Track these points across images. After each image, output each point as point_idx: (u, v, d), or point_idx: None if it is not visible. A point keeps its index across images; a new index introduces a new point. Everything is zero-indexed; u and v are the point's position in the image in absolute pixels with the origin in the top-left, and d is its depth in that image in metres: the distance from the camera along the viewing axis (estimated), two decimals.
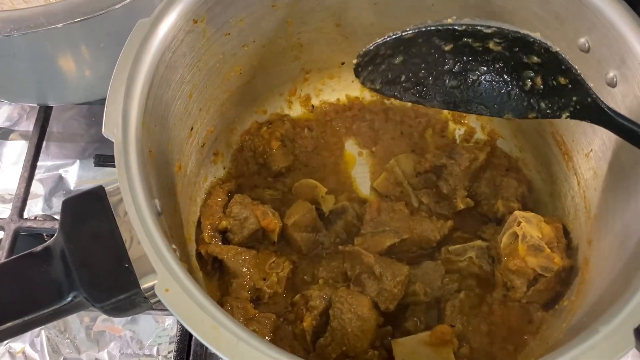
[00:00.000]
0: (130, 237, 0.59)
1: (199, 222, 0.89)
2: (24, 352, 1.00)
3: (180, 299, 0.54)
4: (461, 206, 0.90)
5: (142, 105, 0.64)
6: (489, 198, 0.91)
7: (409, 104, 1.03)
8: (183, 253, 0.76)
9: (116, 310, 0.59)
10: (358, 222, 0.89)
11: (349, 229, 0.90)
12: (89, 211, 0.61)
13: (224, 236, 0.88)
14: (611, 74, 0.72)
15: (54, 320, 0.60)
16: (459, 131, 1.01)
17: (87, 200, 0.61)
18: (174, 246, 0.61)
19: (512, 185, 0.90)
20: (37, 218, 1.07)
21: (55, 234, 0.60)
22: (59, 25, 0.85)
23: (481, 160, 0.92)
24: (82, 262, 0.58)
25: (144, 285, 0.57)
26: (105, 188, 0.62)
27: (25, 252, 0.60)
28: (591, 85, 0.74)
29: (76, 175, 1.16)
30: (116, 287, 0.57)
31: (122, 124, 0.61)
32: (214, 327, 0.52)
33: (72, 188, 1.15)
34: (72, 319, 1.02)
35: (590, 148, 0.79)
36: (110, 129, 0.61)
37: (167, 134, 0.74)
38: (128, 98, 0.63)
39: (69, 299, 0.58)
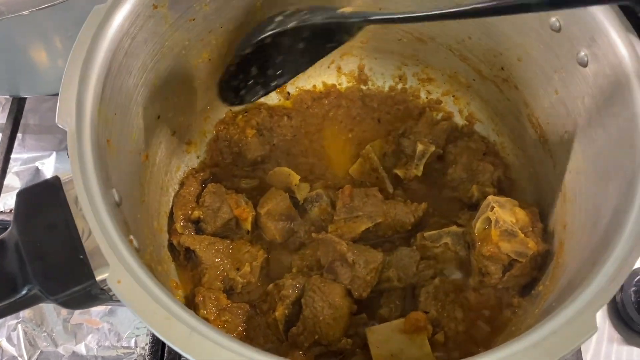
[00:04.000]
0: (86, 229, 0.58)
1: (171, 213, 0.87)
2: (0, 346, 0.99)
3: (132, 290, 0.52)
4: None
5: (99, 94, 0.63)
6: (465, 183, 0.90)
7: (386, 90, 1.02)
8: (150, 244, 0.75)
9: (72, 303, 0.57)
10: (332, 210, 0.88)
11: (323, 216, 0.89)
12: (44, 202, 0.59)
13: (197, 226, 0.87)
14: (582, 53, 0.71)
15: (8, 315, 0.58)
16: (436, 117, 1.00)
17: (42, 191, 0.60)
18: (131, 237, 0.60)
19: (488, 170, 0.89)
20: (12, 211, 1.05)
21: (10, 227, 0.59)
22: (25, 13, 0.84)
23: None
24: (36, 255, 0.57)
25: (99, 277, 0.55)
26: (61, 178, 0.60)
27: None
28: (563, 65, 0.74)
29: (53, 168, 1.15)
30: (71, 279, 0.56)
31: (76, 112, 0.60)
32: (166, 317, 0.51)
33: None
34: (49, 312, 1.01)
35: (565, 130, 0.78)
36: (64, 118, 0.60)
37: (130, 122, 0.72)
38: (82, 86, 0.62)
39: (24, 292, 0.57)
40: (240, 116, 0.97)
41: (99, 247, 0.55)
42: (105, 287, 0.57)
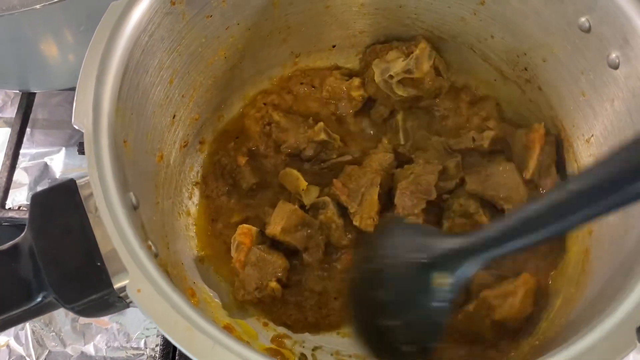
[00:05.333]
0: (102, 234, 0.56)
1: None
2: (8, 346, 0.98)
3: (153, 299, 0.51)
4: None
5: (116, 93, 0.61)
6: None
7: None
8: (165, 247, 0.73)
9: (89, 311, 0.55)
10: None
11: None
12: (59, 206, 0.57)
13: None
14: (613, 55, 0.68)
15: (23, 322, 0.57)
16: None
17: (57, 195, 0.58)
18: (150, 242, 0.58)
19: None
20: (22, 208, 1.04)
21: (24, 231, 0.57)
22: (37, 7, 0.82)
23: None
24: (51, 260, 0.55)
25: (117, 284, 0.54)
26: (77, 181, 0.58)
27: None
28: (592, 66, 0.71)
29: (62, 164, 1.13)
30: (87, 286, 0.54)
31: (92, 113, 0.58)
32: (188, 329, 0.49)
33: (57, 176, 1.12)
34: (58, 312, 0.99)
35: (592, 133, 0.76)
36: (80, 118, 0.57)
37: (146, 122, 0.70)
38: (100, 85, 0.60)
39: (39, 299, 0.55)
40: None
41: (117, 254, 0.53)
42: (122, 295, 0.55)
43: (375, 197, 0.83)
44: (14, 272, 0.56)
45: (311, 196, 0.87)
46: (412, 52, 0.88)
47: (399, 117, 0.92)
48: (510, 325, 0.76)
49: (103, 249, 0.55)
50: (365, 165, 0.86)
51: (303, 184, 0.87)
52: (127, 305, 0.57)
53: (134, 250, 0.53)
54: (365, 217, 0.83)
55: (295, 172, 0.87)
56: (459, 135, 0.88)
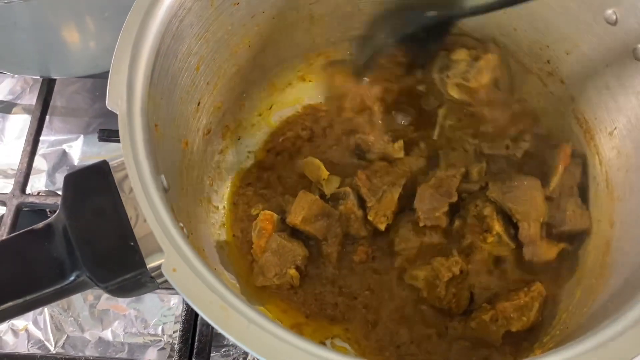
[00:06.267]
0: (135, 215, 0.56)
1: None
2: (27, 330, 0.99)
3: (188, 278, 0.51)
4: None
5: (148, 77, 0.61)
6: None
7: None
8: (190, 231, 0.74)
9: (121, 290, 0.56)
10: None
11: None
12: (92, 187, 0.58)
13: None
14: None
15: (56, 301, 0.57)
16: None
17: (90, 176, 0.58)
18: (181, 224, 0.58)
19: None
20: (40, 194, 1.04)
21: (57, 211, 0.58)
22: None
23: None
24: (85, 240, 0.55)
25: (150, 264, 0.54)
26: (110, 163, 0.59)
27: (26, 229, 0.58)
28: (617, 59, 0.72)
29: (80, 151, 1.14)
30: (121, 266, 0.54)
31: (127, 95, 0.58)
32: (222, 307, 0.50)
33: (75, 164, 1.13)
34: (76, 297, 1.00)
35: (615, 126, 0.76)
36: (115, 100, 0.58)
37: (174, 108, 0.71)
38: (133, 69, 0.60)
39: (72, 278, 0.55)
40: None
41: (150, 234, 0.54)
42: (154, 275, 0.56)
43: (396, 197, 0.83)
44: (48, 251, 0.56)
45: (332, 186, 0.87)
46: (479, 58, 0.88)
47: (441, 112, 0.92)
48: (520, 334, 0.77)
49: (136, 229, 0.55)
50: (395, 164, 0.87)
51: (325, 173, 0.87)
52: (157, 286, 0.58)
53: (169, 230, 0.53)
54: (381, 214, 0.83)
55: (317, 161, 0.88)
56: (494, 140, 0.88)
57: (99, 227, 0.56)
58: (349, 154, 0.92)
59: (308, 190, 0.86)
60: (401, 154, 0.89)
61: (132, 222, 0.56)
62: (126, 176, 0.57)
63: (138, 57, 0.61)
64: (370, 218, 0.83)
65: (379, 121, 0.90)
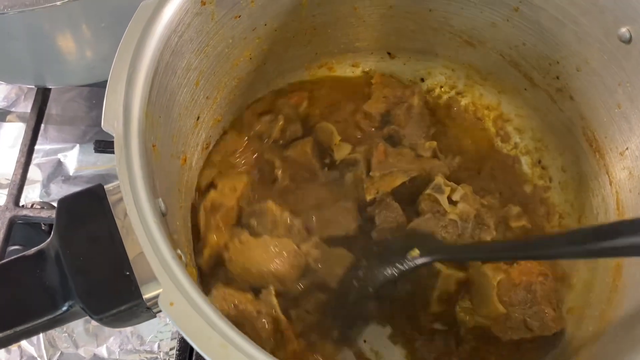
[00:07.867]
0: (131, 242, 0.54)
1: None
2: (19, 346, 0.96)
3: (186, 313, 0.48)
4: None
5: (146, 96, 0.59)
6: None
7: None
8: (188, 252, 0.71)
9: (116, 322, 0.53)
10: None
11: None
12: (86, 212, 0.55)
13: None
14: None
15: (47, 330, 0.55)
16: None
17: (84, 200, 0.56)
18: (179, 251, 0.56)
19: None
20: (35, 206, 1.02)
21: (50, 236, 0.55)
22: (58, 3, 0.80)
23: None
24: (78, 269, 0.53)
25: (146, 295, 0.52)
26: (105, 187, 0.56)
27: (18, 255, 0.55)
28: (630, 78, 0.70)
29: (76, 160, 1.11)
30: (116, 297, 0.52)
31: (123, 116, 0.56)
32: (222, 345, 0.48)
33: (71, 174, 1.10)
34: None
35: (626, 146, 0.74)
36: (110, 122, 0.55)
37: (172, 125, 0.68)
38: (130, 87, 0.57)
39: (64, 308, 0.53)
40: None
41: (147, 263, 0.51)
42: (150, 305, 0.53)
43: (397, 183, 0.83)
44: (40, 280, 0.54)
45: (342, 152, 0.88)
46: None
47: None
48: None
49: (132, 257, 0.53)
50: (417, 156, 0.87)
51: (336, 138, 0.88)
52: (154, 316, 0.56)
53: (165, 260, 0.51)
54: (375, 186, 0.83)
55: (330, 125, 0.89)
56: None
57: (93, 255, 0.54)
58: None
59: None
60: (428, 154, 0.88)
61: (128, 250, 0.54)
62: (121, 200, 0.54)
63: (135, 75, 0.59)
64: (365, 186, 0.84)
65: None
